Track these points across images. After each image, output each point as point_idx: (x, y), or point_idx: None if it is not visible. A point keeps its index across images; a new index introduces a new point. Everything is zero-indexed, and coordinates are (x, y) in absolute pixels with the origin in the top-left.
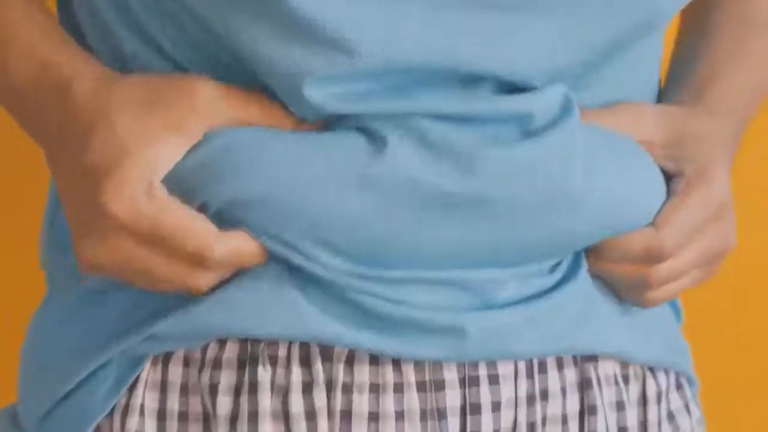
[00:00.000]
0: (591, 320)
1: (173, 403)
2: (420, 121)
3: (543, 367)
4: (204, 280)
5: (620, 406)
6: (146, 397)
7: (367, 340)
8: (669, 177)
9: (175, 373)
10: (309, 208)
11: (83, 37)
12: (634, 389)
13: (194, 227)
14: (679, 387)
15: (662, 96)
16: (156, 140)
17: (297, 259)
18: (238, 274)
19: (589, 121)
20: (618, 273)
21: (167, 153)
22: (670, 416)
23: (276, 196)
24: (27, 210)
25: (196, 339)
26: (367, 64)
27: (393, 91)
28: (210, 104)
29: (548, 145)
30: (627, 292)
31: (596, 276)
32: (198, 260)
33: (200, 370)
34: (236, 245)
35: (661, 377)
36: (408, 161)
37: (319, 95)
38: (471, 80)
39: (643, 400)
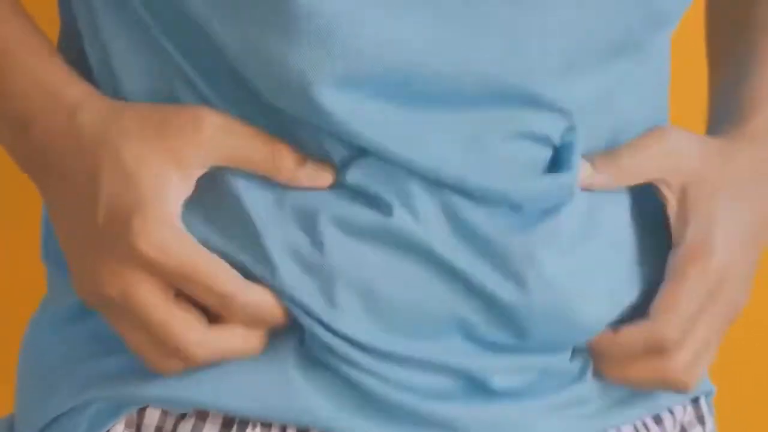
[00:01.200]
0: (607, 401)
1: None
2: (425, 189)
3: None
4: (209, 341)
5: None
6: None
7: (364, 427)
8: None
9: (152, 416)
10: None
11: (84, 56)
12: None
13: (223, 270)
14: (693, 400)
15: (707, 127)
16: (166, 177)
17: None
18: None
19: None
20: (632, 378)
21: (176, 192)
22: (682, 430)
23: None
24: (27, 210)
25: (178, 405)
26: (371, 70)
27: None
28: (214, 138)
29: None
30: (657, 387)
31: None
32: (223, 304)
33: (180, 419)
34: (261, 297)
35: (679, 409)
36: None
37: (332, 100)
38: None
39: (658, 416)
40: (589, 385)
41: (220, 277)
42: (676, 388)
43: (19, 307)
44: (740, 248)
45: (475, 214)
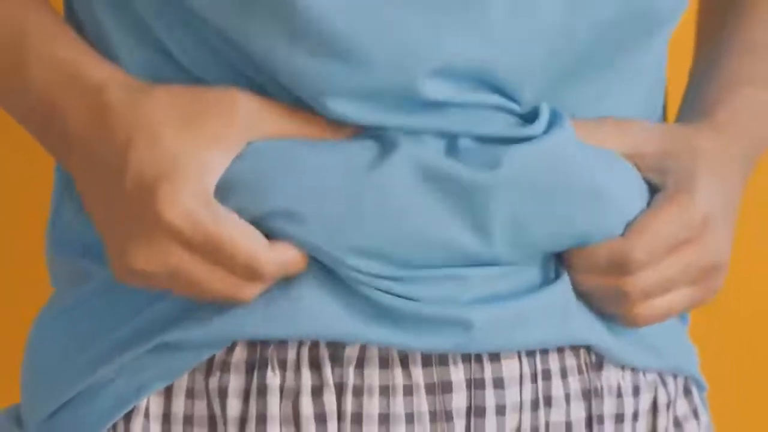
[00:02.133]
0: (593, 320)
1: (178, 407)
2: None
3: (547, 374)
4: (252, 290)
5: (634, 416)
6: (151, 401)
7: (377, 334)
8: (655, 191)
9: (181, 377)
10: (334, 218)
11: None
12: (646, 399)
13: (248, 238)
14: (687, 392)
15: (677, 120)
16: (203, 152)
17: (331, 265)
18: None
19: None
20: (590, 285)
21: (213, 165)
22: (677, 423)
23: (304, 208)
24: (28, 210)
25: (205, 347)
26: (382, 76)
27: (407, 103)
28: (250, 117)
29: (548, 144)
30: (612, 308)
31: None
32: (250, 271)
33: (207, 375)
34: (285, 256)
35: (671, 385)
36: (420, 155)
37: (342, 107)
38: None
39: (654, 408)
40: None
41: (249, 242)
42: (629, 314)
43: (21, 306)
44: (722, 204)
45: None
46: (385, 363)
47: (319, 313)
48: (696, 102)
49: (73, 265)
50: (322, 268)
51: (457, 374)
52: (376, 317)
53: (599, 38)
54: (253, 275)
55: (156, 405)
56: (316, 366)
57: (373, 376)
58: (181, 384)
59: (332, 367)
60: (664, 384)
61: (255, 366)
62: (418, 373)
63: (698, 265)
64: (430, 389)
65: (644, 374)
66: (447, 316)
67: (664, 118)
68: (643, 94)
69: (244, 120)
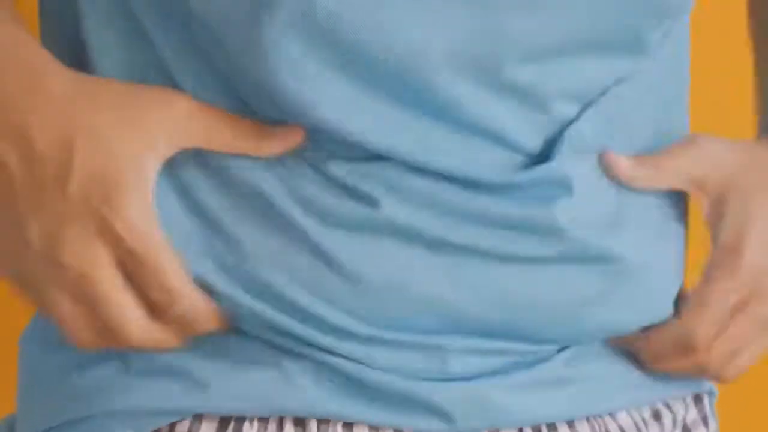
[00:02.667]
0: (599, 384)
1: None
2: (407, 177)
3: (552, 427)
4: (153, 329)
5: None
6: None
7: (362, 413)
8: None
9: None
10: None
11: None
12: (647, 408)
13: (178, 268)
14: (698, 401)
15: (758, 130)
16: (142, 158)
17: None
18: (210, 346)
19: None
20: (667, 368)
21: (151, 171)
22: (686, 429)
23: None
24: None
25: (170, 416)
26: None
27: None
28: (183, 119)
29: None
30: (699, 377)
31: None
32: (169, 296)
33: (175, 422)
34: (203, 305)
35: (679, 406)
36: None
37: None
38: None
39: (656, 414)
40: (561, 366)
41: (175, 273)
42: (717, 379)
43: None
44: None
45: (462, 199)
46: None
47: (295, 392)
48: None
49: None
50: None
51: None
52: (357, 393)
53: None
54: (170, 301)
55: None
56: (300, 422)
57: None
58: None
59: (318, 425)
60: (670, 408)
61: (231, 419)
62: None
63: (761, 319)
64: None
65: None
66: (425, 400)
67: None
68: (661, 90)
69: (180, 121)
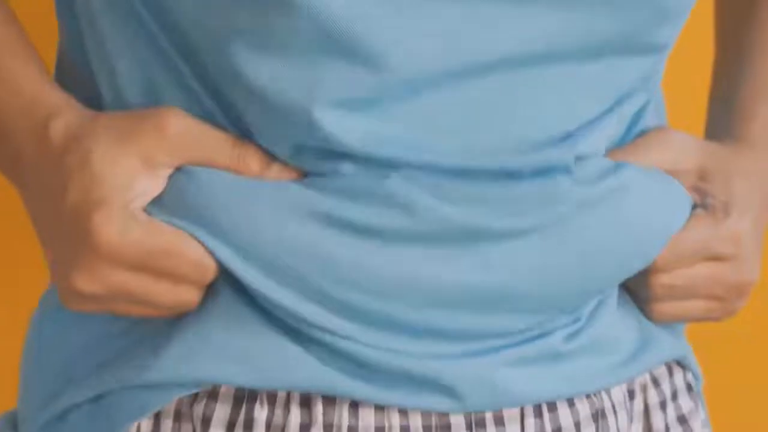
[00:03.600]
0: (594, 359)
1: (166, 429)
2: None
3: (552, 405)
4: (196, 294)
5: (629, 420)
6: (141, 423)
7: (370, 392)
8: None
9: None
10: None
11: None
12: (639, 401)
13: (186, 242)
14: (689, 389)
15: (705, 133)
16: (130, 172)
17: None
18: (225, 318)
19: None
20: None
21: (141, 185)
22: (682, 419)
23: (260, 250)
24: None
25: (188, 387)
26: (393, 81)
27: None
28: (179, 138)
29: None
30: (637, 299)
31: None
32: (200, 270)
33: (193, 401)
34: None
35: (665, 384)
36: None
37: (334, 123)
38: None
39: (646, 409)
40: (561, 342)
41: (187, 248)
42: (646, 307)
43: (20, 306)
44: (753, 227)
45: (468, 190)
46: (381, 405)
47: (307, 367)
48: (726, 117)
49: None
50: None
51: (456, 418)
52: (366, 375)
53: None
54: (203, 274)
55: (146, 425)
56: (306, 404)
57: (368, 417)
58: (170, 407)
59: (324, 407)
60: (657, 384)
61: (244, 398)
62: (416, 416)
63: (723, 283)
64: None
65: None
66: (436, 379)
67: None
68: (643, 98)
69: (174, 140)
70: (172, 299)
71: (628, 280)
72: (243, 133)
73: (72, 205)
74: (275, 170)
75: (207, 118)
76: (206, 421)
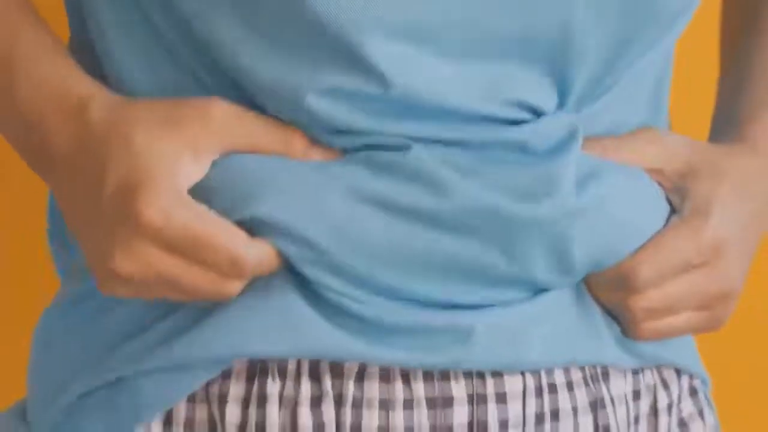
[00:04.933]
0: (595, 332)
1: (179, 411)
2: (422, 148)
3: (553, 387)
4: (235, 286)
5: (635, 420)
6: None
7: (376, 352)
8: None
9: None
10: (320, 232)
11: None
12: (645, 402)
13: (228, 234)
14: (693, 393)
15: (710, 135)
16: (175, 154)
17: (308, 276)
18: (250, 294)
19: (595, 153)
20: (600, 299)
21: (186, 168)
22: (682, 423)
23: (290, 221)
24: (29, 209)
25: (204, 368)
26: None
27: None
28: (224, 124)
29: (539, 169)
30: (620, 322)
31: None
32: (233, 265)
33: (208, 382)
34: (263, 251)
35: (674, 386)
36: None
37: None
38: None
39: (654, 411)
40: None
41: (229, 238)
42: (630, 329)
43: (26, 303)
44: (740, 231)
45: (489, 158)
46: (385, 377)
47: (316, 333)
48: (729, 118)
49: (70, 261)
50: (313, 287)
51: (459, 389)
52: (372, 334)
53: (605, 33)
54: (236, 270)
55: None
56: (315, 377)
57: (373, 389)
58: None
59: (332, 379)
60: (666, 386)
61: (255, 374)
62: (419, 387)
63: (706, 292)
64: (431, 403)
65: (643, 378)
66: (447, 324)
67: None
68: (648, 93)
69: (219, 126)
70: (210, 288)
71: (608, 303)
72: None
73: (115, 186)
74: (318, 151)
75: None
76: (222, 400)
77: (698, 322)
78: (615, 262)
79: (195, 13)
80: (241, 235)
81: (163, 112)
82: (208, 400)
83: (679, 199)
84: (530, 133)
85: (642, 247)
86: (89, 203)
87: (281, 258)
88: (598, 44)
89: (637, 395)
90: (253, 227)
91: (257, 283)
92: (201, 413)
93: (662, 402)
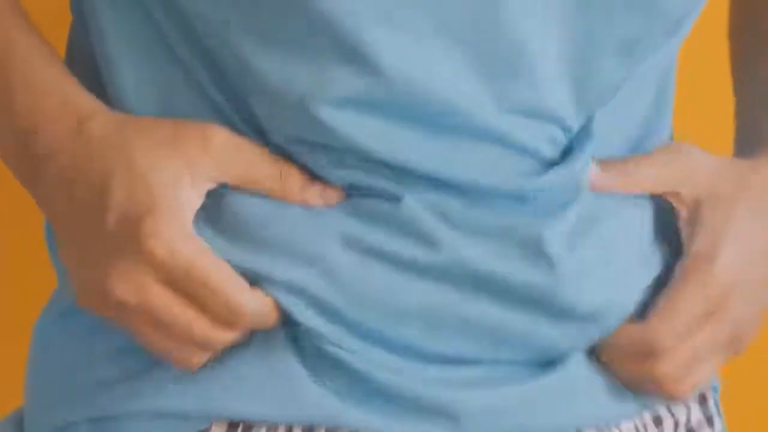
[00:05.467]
0: (599, 396)
1: None
2: (430, 191)
3: None
4: (225, 336)
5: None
6: None
7: (370, 420)
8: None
9: None
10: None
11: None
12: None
13: (229, 279)
14: (702, 401)
15: (734, 155)
16: (175, 182)
17: (305, 325)
18: (248, 349)
19: (611, 176)
20: (619, 372)
21: (188, 197)
22: (690, 431)
23: (288, 272)
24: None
25: (201, 421)
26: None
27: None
28: (223, 151)
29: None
30: (646, 389)
31: None
32: (229, 312)
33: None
34: (262, 303)
35: (680, 409)
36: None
37: (335, 117)
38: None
39: (658, 419)
40: (571, 374)
41: (230, 281)
42: (666, 394)
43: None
44: (751, 266)
45: (482, 210)
46: None
47: (309, 398)
48: (754, 136)
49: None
50: (307, 346)
51: None
52: (367, 398)
53: (611, 36)
54: (233, 318)
55: None
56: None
57: None
58: None
59: None
60: (672, 413)
61: (239, 425)
62: None
63: (723, 335)
64: None
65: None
66: (437, 402)
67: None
68: (652, 95)
69: (219, 153)
70: (199, 333)
71: (632, 374)
72: (255, 130)
73: (117, 209)
74: (317, 190)
75: (215, 112)
76: None
77: (721, 360)
78: (615, 314)
79: (197, 13)
80: (242, 282)
81: (164, 132)
82: None
83: (689, 232)
84: (531, 186)
85: (654, 310)
86: (86, 221)
87: (279, 313)
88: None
89: (657, 421)
90: (249, 277)
91: (255, 338)
92: None
93: (668, 424)
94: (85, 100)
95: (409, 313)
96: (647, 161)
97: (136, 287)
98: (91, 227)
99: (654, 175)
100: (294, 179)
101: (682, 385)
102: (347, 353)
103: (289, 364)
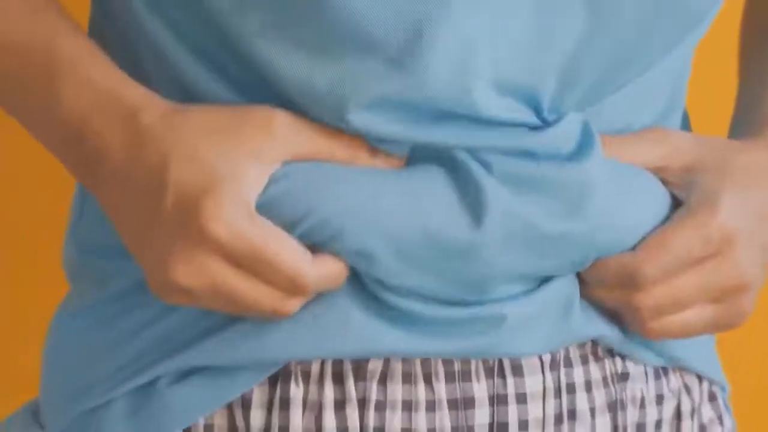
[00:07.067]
0: (602, 315)
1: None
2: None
3: (571, 387)
4: (293, 304)
5: (657, 425)
6: None
7: (401, 341)
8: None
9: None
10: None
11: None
12: (670, 406)
13: (292, 251)
14: (712, 398)
15: (730, 132)
16: (241, 164)
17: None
18: None
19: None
20: (601, 299)
21: (252, 177)
22: (702, 428)
23: (354, 228)
24: (28, 210)
25: (239, 372)
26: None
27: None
28: (287, 133)
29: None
30: (626, 321)
31: None
32: (293, 284)
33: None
34: (327, 269)
35: (695, 391)
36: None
37: (365, 121)
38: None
39: (678, 415)
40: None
41: (292, 255)
42: (641, 328)
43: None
44: (752, 222)
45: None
46: (408, 378)
47: (367, 331)
48: (748, 122)
49: (94, 267)
50: (362, 288)
51: (480, 390)
52: (410, 328)
53: (630, 38)
54: (296, 289)
55: None
56: (339, 380)
57: (396, 391)
58: None
59: (355, 382)
60: (688, 391)
61: (278, 378)
62: (440, 389)
63: (718, 284)
64: (453, 405)
65: (667, 383)
66: (475, 314)
67: (686, 120)
68: (665, 93)
69: (282, 136)
70: (268, 304)
71: (611, 302)
72: None
73: (177, 193)
74: (381, 157)
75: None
76: (246, 405)
77: (712, 318)
78: (614, 252)
79: (220, 11)
80: (304, 252)
81: (222, 120)
82: (229, 406)
83: (685, 192)
84: (552, 139)
85: (645, 241)
86: (146, 212)
87: (346, 271)
88: (606, 46)
89: (660, 399)
90: (313, 239)
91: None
92: (221, 420)
93: (686, 406)
94: (134, 93)
95: (456, 271)
96: (630, 141)
97: (200, 272)
98: (149, 217)
99: (638, 155)
100: (362, 146)
101: (656, 323)
102: (393, 295)
103: (343, 308)
